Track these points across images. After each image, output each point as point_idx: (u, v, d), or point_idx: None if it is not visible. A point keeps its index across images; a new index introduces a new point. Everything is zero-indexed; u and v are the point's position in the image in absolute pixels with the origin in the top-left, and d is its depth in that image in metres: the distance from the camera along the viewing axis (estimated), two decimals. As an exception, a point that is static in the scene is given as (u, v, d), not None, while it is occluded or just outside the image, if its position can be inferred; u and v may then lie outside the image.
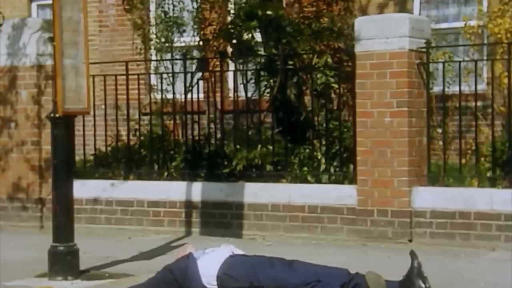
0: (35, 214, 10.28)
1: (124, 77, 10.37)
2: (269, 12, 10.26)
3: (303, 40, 10.28)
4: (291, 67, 10.31)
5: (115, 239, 9.52)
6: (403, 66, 8.67)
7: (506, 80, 8.81)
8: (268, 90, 10.48)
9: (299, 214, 9.18)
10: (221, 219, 9.52)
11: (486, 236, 8.27)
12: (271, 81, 10.41)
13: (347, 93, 9.89)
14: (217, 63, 10.68)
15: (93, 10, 13.70)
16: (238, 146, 9.85)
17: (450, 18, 12.04)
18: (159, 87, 10.69)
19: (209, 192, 9.59)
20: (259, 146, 9.72)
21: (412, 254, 5.83)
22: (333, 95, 10.14)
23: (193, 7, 11.32)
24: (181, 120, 10.47)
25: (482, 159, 8.92)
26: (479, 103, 9.04)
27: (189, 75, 10.41)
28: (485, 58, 10.71)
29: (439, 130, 9.38)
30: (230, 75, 11.67)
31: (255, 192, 9.38)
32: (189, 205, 9.70)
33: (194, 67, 10.77)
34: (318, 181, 9.35)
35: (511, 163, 8.53)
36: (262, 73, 10.39)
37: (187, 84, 10.35)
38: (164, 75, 10.76)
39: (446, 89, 9.13)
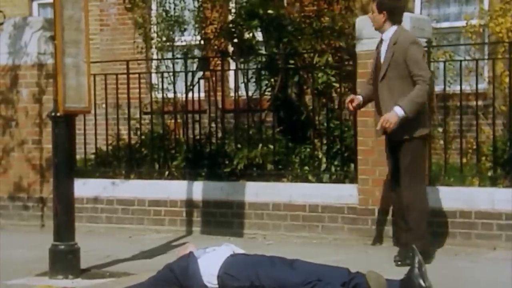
0: (36, 213, 10.28)
1: (125, 76, 10.37)
2: (270, 11, 10.27)
3: (304, 39, 10.29)
4: (292, 66, 10.31)
5: (116, 238, 9.52)
6: (404, 65, 8.64)
7: (507, 79, 8.80)
8: (269, 89, 10.49)
9: (300, 213, 9.16)
10: (222, 218, 9.52)
11: (487, 235, 8.25)
12: (272, 80, 10.41)
13: (348, 92, 9.86)
14: (218, 62, 10.68)
15: (94, 9, 13.72)
16: (239, 145, 9.85)
17: (451, 17, 12.05)
18: (160, 86, 10.68)
19: (210, 191, 9.58)
20: (260, 145, 9.71)
21: (413, 251, 5.82)
22: (334, 94, 10.14)
23: (194, 6, 11.33)
24: (182, 119, 10.46)
25: (483, 158, 8.91)
26: (480, 102, 9.02)
27: (190, 74, 10.41)
28: (486, 57, 10.70)
29: (440, 129, 9.37)
30: (231, 74, 11.67)
31: (256, 191, 9.38)
32: (190, 204, 9.70)
33: (195, 66, 10.77)
34: (319, 180, 9.34)
35: (512, 163, 8.54)
36: (263, 72, 10.39)
37: (188, 83, 10.35)
38: (165, 74, 10.76)
39: (447, 88, 9.13)
